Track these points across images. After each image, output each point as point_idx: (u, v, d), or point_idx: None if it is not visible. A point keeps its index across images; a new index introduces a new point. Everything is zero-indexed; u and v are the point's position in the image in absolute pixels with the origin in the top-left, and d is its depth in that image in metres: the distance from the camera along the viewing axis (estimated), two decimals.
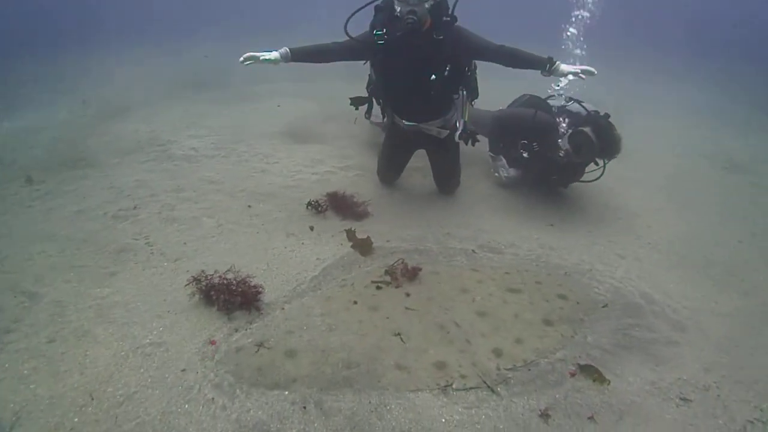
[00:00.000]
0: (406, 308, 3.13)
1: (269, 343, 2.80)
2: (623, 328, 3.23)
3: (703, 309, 3.57)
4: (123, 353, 2.76)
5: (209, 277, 3.20)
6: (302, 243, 3.97)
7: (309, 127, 6.92)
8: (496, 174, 5.27)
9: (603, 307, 3.42)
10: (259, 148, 6.09)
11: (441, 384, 2.57)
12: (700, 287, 3.85)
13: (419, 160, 5.43)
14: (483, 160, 5.92)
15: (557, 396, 2.57)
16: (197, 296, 3.16)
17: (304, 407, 2.41)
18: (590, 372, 2.74)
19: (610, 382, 2.70)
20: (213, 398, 2.47)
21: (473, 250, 4.00)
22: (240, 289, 3.10)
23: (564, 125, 4.72)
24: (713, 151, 7.45)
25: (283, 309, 3.13)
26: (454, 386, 2.56)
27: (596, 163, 4.73)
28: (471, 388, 2.56)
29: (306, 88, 9.07)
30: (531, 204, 5.10)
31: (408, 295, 3.27)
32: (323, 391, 2.50)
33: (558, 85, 5.24)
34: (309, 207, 4.42)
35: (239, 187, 4.95)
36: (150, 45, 12.64)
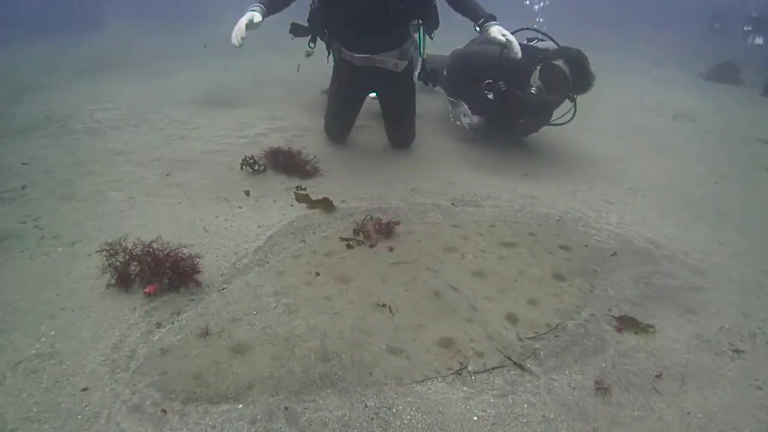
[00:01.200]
0: (392, 264, 2.44)
1: (209, 336, 1.98)
2: (643, 276, 2.72)
3: (711, 251, 3.16)
4: None
5: (128, 249, 2.32)
6: (239, 208, 3.13)
7: (233, 93, 5.96)
8: (458, 122, 4.62)
9: (612, 255, 2.89)
10: (175, 115, 5.09)
11: (453, 368, 1.89)
12: (697, 229, 3.45)
13: (367, 118, 4.75)
14: (436, 114, 5.31)
15: (603, 365, 1.98)
16: (108, 277, 2.29)
17: (271, 422, 1.63)
18: (628, 323, 2.20)
19: (654, 328, 2.17)
20: (130, 428, 1.64)
21: (452, 203, 3.35)
22: (169, 262, 2.25)
23: (533, 61, 4.16)
24: (658, 105, 7.39)
25: (221, 291, 2.31)
26: (470, 368, 1.89)
27: (571, 99, 4.22)
28: (494, 369, 1.90)
29: (227, 63, 7.97)
30: (496, 156, 4.54)
31: (391, 249, 2.58)
32: (295, 396, 1.74)
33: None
34: (244, 167, 3.57)
35: (153, 156, 4.01)
36: (53, 30, 10.78)
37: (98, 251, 2.39)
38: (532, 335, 2.12)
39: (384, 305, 2.18)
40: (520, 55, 3.54)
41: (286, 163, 3.57)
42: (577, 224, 3.28)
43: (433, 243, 2.79)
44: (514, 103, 4.24)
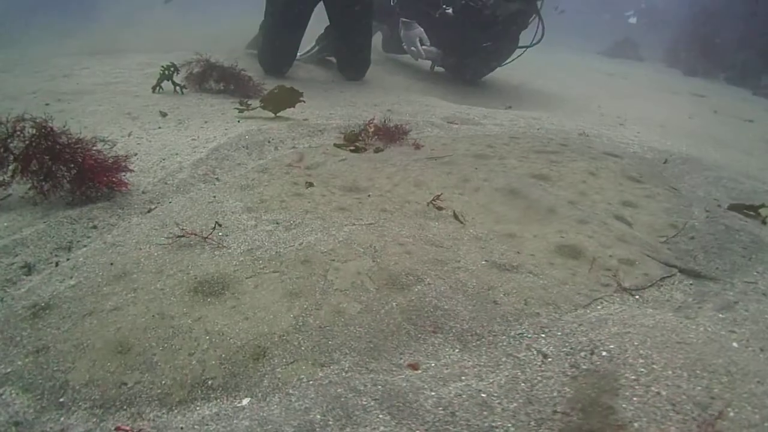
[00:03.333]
0: (424, 165, 1.59)
1: (138, 273, 0.98)
2: (713, 180, 2.16)
3: (744, 164, 2.73)
4: None
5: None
6: (158, 128, 2.08)
7: (131, 44, 4.73)
8: (413, 48, 3.81)
9: (664, 162, 2.30)
10: (58, 62, 3.87)
11: (609, 284, 1.09)
12: (708, 149, 3.04)
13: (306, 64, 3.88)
14: (384, 56, 4.55)
15: None
16: None
17: (352, 424, 0.70)
18: (742, 210, 1.73)
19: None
20: None
21: (448, 122, 2.56)
22: (77, 151, 1.24)
23: None
24: (588, 67, 7.43)
25: (148, 213, 1.30)
26: (627, 284, 1.10)
27: (536, 8, 3.64)
28: (664, 279, 1.13)
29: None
30: (463, 93, 3.87)
31: (418, 147, 1.72)
32: (374, 361, 0.81)
33: None
34: (158, 89, 2.51)
35: (27, 90, 2.91)
36: None
37: None
38: (662, 239, 1.39)
39: (440, 208, 1.32)
40: None
41: (221, 81, 2.54)
42: (601, 138, 2.67)
43: (454, 151, 1.97)
44: (477, 18, 3.55)
